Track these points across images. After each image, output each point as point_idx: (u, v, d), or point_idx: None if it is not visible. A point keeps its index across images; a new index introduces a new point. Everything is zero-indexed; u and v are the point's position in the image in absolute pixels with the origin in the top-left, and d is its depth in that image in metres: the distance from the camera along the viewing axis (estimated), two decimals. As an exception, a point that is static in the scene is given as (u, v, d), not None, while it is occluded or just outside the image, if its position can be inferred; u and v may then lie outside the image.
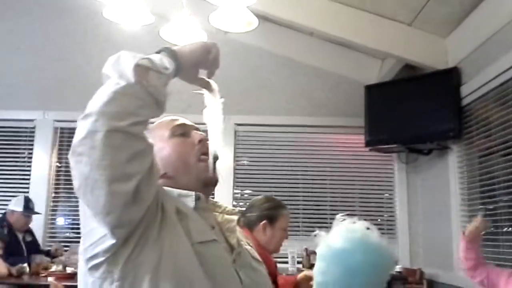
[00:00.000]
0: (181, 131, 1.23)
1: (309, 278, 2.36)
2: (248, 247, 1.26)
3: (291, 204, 4.60)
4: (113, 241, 0.97)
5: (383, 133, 4.17)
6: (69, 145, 0.95)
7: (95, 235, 0.98)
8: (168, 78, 1.03)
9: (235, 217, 1.24)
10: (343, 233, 1.12)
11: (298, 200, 4.69)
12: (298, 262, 4.34)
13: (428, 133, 3.81)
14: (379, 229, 1.14)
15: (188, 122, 1.28)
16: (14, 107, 4.83)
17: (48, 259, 3.95)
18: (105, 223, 0.95)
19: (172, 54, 1.06)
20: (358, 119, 4.33)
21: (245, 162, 4.84)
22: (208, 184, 1.21)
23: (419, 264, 4.26)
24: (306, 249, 4.34)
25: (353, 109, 4.55)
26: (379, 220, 4.71)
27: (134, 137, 0.95)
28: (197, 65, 1.13)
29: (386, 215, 4.71)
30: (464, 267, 2.51)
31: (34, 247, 4.19)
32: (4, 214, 4.22)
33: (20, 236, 4.19)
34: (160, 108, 1.01)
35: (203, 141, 1.22)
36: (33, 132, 4.83)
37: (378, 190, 4.74)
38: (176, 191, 1.16)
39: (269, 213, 2.42)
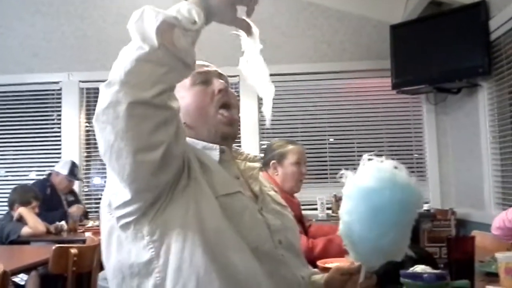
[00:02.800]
0: (203, 79, 1.19)
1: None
2: (272, 193, 1.26)
3: (318, 152, 4.61)
4: (139, 204, 0.98)
5: (410, 74, 4.07)
6: (96, 106, 0.94)
7: (121, 197, 0.99)
8: (197, 33, 0.94)
9: (257, 164, 1.24)
10: (371, 172, 1.08)
11: (325, 147, 4.68)
12: (328, 209, 4.38)
13: (456, 70, 3.69)
14: (409, 171, 1.11)
15: (211, 69, 1.23)
16: (39, 70, 4.87)
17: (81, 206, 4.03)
18: (131, 189, 0.96)
19: None
20: (384, 62, 4.22)
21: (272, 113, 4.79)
22: (227, 138, 1.19)
23: (450, 204, 4.24)
24: (335, 196, 4.37)
25: (378, 51, 4.43)
26: (408, 161, 4.66)
27: (159, 107, 0.91)
28: (233, 3, 1.01)
29: (415, 157, 4.65)
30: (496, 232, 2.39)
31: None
32: (49, 174, 4.38)
33: (62, 196, 4.36)
34: (188, 69, 0.95)
35: (224, 91, 1.18)
36: (60, 94, 4.89)
37: (407, 133, 4.67)
38: (200, 143, 1.15)
39: (277, 153, 2.46)
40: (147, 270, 1.00)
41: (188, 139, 1.12)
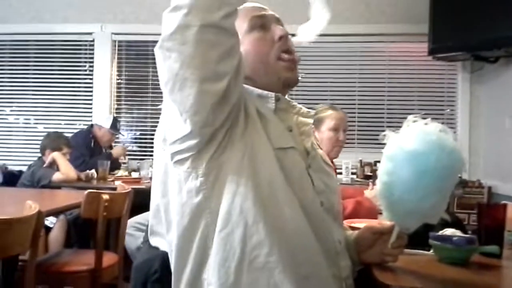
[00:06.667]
0: (261, 24, 1.14)
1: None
2: (320, 151, 1.24)
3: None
4: (198, 139, 0.96)
5: (448, 40, 3.94)
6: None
7: (180, 132, 0.97)
8: None
9: (310, 120, 1.20)
10: (417, 135, 1.06)
11: (353, 112, 4.61)
12: (352, 173, 4.38)
13: (495, 39, 3.56)
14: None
15: (269, 12, 1.18)
16: (73, 20, 4.87)
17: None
18: (192, 122, 0.94)
19: None
20: (421, 26, 4.08)
21: (301, 74, 4.74)
22: (289, 84, 1.16)
23: (477, 176, 4.19)
24: (361, 161, 4.35)
25: (416, 14, 4.28)
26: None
27: (227, 32, 0.89)
28: None
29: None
30: None
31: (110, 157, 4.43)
32: (91, 126, 4.46)
33: (103, 149, 4.47)
34: None
35: (284, 37, 1.14)
36: (93, 45, 4.90)
37: (440, 101, 4.57)
38: (256, 91, 1.12)
39: (316, 118, 2.43)
40: (198, 210, 1.01)
41: (245, 86, 1.09)
